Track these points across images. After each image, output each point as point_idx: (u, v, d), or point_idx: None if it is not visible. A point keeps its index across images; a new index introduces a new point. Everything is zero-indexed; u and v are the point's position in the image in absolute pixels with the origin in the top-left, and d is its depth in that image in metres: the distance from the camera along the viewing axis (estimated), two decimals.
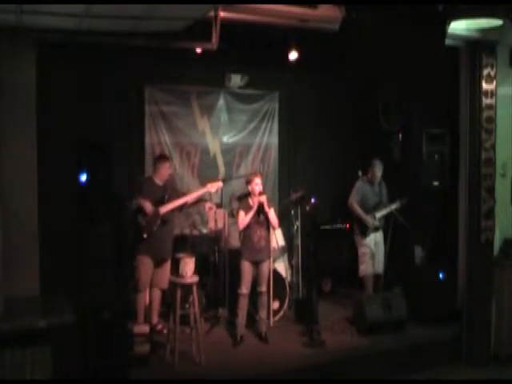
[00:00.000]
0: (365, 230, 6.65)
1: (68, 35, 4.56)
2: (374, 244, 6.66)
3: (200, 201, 6.40)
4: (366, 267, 6.63)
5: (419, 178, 6.64)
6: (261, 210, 5.76)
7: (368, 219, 6.60)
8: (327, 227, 7.66)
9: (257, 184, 5.76)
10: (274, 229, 6.07)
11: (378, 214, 6.64)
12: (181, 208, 5.98)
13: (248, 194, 5.86)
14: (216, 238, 6.62)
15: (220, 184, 6.08)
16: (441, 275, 6.39)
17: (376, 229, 6.66)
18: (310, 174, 8.08)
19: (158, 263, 5.76)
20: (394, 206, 6.66)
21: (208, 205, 6.58)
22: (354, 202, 6.69)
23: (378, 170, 6.70)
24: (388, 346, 5.79)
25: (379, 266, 6.68)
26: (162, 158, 6.06)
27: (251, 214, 5.71)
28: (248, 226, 5.77)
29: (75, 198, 5.12)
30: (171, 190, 5.88)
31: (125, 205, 5.71)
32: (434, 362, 5.82)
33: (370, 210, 6.66)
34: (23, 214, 4.47)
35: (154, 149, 7.29)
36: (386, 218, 6.75)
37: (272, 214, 5.80)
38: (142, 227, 5.62)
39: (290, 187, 7.50)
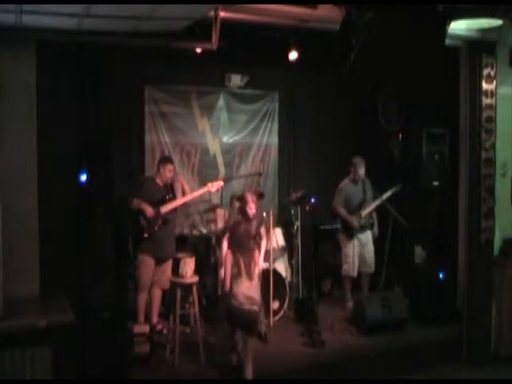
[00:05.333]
0: (351, 232, 6.62)
1: (68, 35, 4.57)
2: (359, 245, 6.62)
3: None
4: (348, 268, 6.61)
5: (419, 177, 6.64)
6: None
7: (353, 220, 6.56)
8: (327, 227, 7.66)
9: (251, 208, 4.96)
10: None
11: (364, 213, 6.62)
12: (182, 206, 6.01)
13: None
14: (216, 237, 6.61)
15: (221, 183, 6.09)
16: (441, 275, 6.39)
17: (362, 228, 6.63)
18: (310, 174, 8.09)
19: (160, 263, 5.77)
20: (384, 196, 6.62)
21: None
22: (337, 204, 6.67)
23: (360, 168, 6.64)
24: (388, 346, 5.78)
25: (370, 266, 6.67)
26: (165, 160, 6.05)
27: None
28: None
29: (75, 197, 5.12)
30: (173, 191, 5.88)
31: (125, 205, 5.71)
32: (433, 362, 5.82)
33: (356, 209, 6.63)
34: (23, 214, 4.48)
35: (154, 149, 7.30)
36: (385, 216, 6.73)
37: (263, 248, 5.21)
38: (143, 227, 5.63)
39: (289, 187, 7.51)
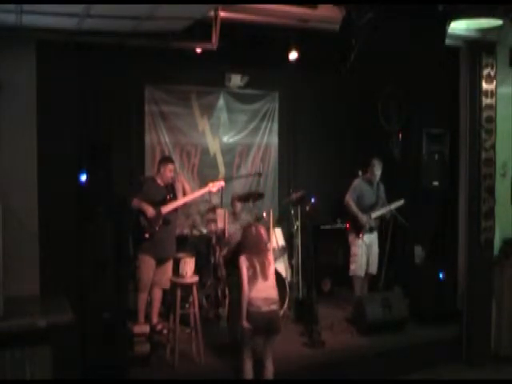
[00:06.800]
0: (359, 230, 6.60)
1: (68, 35, 4.57)
2: (366, 245, 6.59)
3: None
4: (356, 267, 6.56)
5: (419, 177, 6.64)
6: None
7: (363, 218, 6.53)
8: (327, 227, 7.66)
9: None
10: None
11: (374, 215, 6.60)
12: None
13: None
14: (216, 237, 6.61)
15: (222, 183, 6.08)
16: (441, 275, 6.38)
17: (370, 229, 6.63)
18: (310, 174, 8.09)
19: (160, 263, 5.77)
20: (394, 206, 6.61)
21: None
22: (350, 199, 6.62)
23: (378, 170, 6.61)
24: (388, 346, 5.79)
25: (373, 267, 6.65)
26: (166, 160, 6.04)
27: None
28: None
29: (75, 197, 5.12)
30: (174, 191, 5.88)
31: (125, 205, 5.71)
32: (433, 362, 5.82)
33: (367, 209, 6.59)
34: (23, 214, 4.47)
35: (154, 149, 7.31)
36: (386, 218, 6.73)
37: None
38: (144, 227, 5.63)
39: (289, 187, 7.51)
